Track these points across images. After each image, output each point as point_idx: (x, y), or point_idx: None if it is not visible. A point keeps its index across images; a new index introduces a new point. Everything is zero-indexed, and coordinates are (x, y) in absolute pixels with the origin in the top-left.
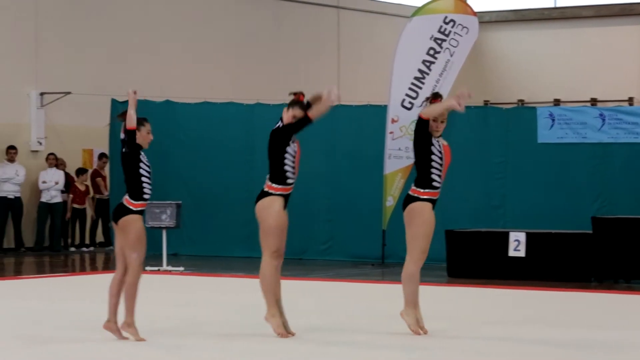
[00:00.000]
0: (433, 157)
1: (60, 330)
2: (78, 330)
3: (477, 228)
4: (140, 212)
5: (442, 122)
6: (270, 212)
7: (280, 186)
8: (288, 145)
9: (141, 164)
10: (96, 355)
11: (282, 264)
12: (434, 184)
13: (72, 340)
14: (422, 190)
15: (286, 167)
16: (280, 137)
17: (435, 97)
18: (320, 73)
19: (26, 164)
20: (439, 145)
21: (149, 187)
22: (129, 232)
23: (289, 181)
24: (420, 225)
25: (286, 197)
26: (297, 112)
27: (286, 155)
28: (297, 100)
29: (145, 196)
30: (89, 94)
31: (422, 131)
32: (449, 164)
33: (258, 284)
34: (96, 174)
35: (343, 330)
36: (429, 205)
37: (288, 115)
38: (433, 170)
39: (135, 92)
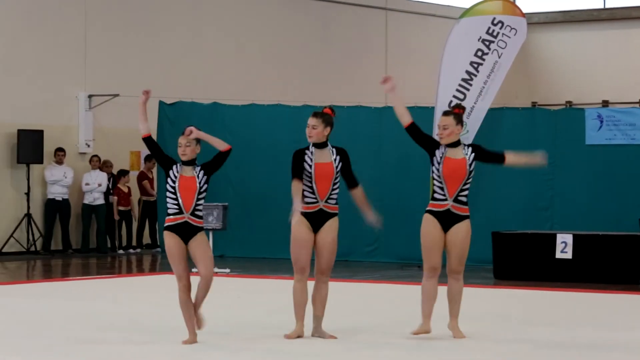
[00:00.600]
0: (432, 168)
1: (109, 331)
2: (126, 331)
3: (524, 230)
4: (170, 228)
5: (444, 128)
6: (292, 226)
7: (302, 204)
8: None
9: (168, 179)
10: (145, 357)
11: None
12: (435, 195)
13: (120, 342)
14: (429, 202)
15: (304, 187)
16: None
17: (457, 107)
18: (367, 75)
19: (74, 166)
20: (440, 157)
21: (173, 202)
22: None
23: (306, 200)
24: (421, 236)
25: (308, 215)
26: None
27: (303, 175)
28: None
29: (170, 211)
30: (136, 96)
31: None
32: (460, 177)
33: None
34: (143, 176)
35: (388, 332)
36: (428, 216)
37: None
38: (434, 182)
39: (147, 92)
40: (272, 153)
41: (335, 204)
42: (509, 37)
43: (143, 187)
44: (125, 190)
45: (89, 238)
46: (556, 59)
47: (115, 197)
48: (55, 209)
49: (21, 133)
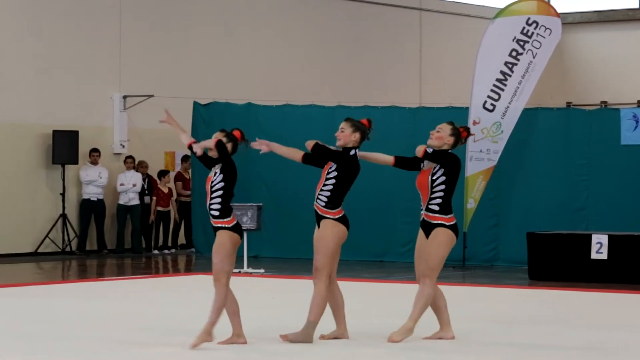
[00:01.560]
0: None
1: (143, 332)
2: (159, 332)
3: (559, 230)
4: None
5: (437, 131)
6: None
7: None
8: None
9: None
10: (179, 358)
11: (363, 266)
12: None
13: (153, 343)
14: None
15: None
16: None
17: (465, 128)
18: (401, 75)
19: (109, 167)
20: (421, 167)
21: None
22: None
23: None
24: None
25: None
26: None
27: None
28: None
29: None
30: (171, 97)
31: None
32: (422, 189)
33: (343, 287)
34: (179, 176)
35: (422, 332)
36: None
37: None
38: None
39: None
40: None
41: (325, 206)
42: (544, 37)
43: (179, 187)
44: (166, 190)
45: (124, 238)
46: (591, 59)
47: (154, 198)
48: (90, 209)
49: (56, 134)
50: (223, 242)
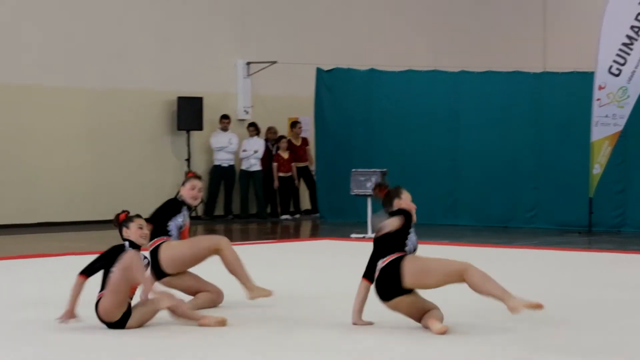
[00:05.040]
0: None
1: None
2: (282, 297)
3: None
4: None
5: None
6: None
7: None
8: None
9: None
10: (307, 323)
11: (489, 231)
12: None
13: (270, 305)
14: None
15: None
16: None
17: (380, 186)
18: (525, 40)
19: (234, 133)
20: None
21: None
22: None
23: None
24: None
25: None
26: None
27: None
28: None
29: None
30: (294, 63)
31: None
32: None
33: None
34: (290, 143)
35: (543, 299)
36: None
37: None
38: None
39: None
40: (429, 119)
41: None
42: None
43: (297, 153)
44: (286, 156)
45: (249, 204)
46: None
47: (275, 164)
48: (220, 175)
49: (181, 100)
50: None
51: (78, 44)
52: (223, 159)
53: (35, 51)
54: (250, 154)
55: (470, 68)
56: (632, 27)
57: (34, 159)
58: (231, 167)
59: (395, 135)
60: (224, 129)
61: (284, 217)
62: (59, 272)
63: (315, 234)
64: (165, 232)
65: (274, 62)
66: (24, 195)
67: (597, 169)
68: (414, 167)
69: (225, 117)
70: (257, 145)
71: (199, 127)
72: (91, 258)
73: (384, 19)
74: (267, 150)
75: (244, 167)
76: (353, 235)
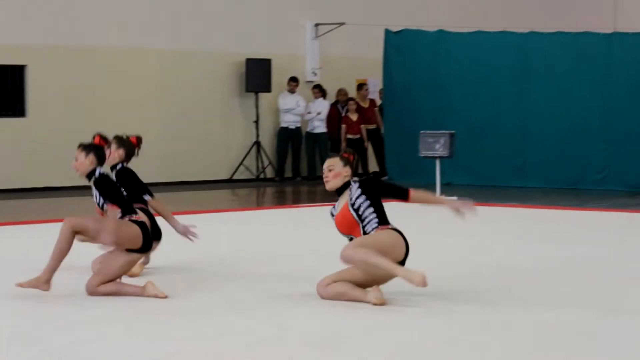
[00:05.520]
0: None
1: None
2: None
3: None
4: None
5: (329, 170)
6: None
7: None
8: None
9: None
10: None
11: (558, 194)
12: None
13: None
14: None
15: None
16: None
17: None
18: (595, 0)
19: (301, 95)
20: None
21: None
22: None
23: None
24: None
25: None
26: None
27: None
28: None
29: None
30: (362, 25)
31: None
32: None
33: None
34: (357, 105)
35: (613, 261)
36: None
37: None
38: None
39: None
40: (497, 81)
41: None
42: None
43: (366, 115)
44: (354, 118)
45: (316, 166)
46: None
47: (344, 126)
48: (288, 137)
49: (249, 62)
50: (128, 233)
51: (150, 5)
52: (290, 120)
53: (108, 13)
54: (314, 115)
55: (539, 29)
56: None
57: (104, 121)
58: (298, 129)
59: (464, 97)
60: (292, 91)
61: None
62: None
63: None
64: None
65: (342, 24)
66: None
67: None
68: (482, 128)
69: (293, 80)
70: (321, 107)
71: (267, 89)
72: (161, 220)
73: None
74: (337, 113)
75: (308, 129)
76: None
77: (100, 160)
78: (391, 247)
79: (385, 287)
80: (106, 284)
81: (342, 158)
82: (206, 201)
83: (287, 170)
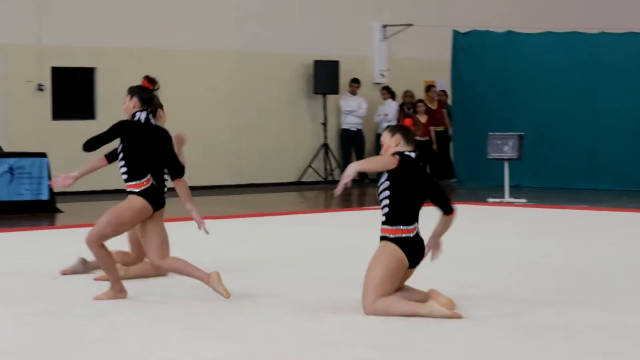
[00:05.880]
0: None
1: None
2: None
3: None
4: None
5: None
6: None
7: None
8: None
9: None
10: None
11: (629, 196)
12: None
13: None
14: None
15: None
16: None
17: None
18: None
19: (370, 97)
20: None
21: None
22: None
23: None
24: None
25: None
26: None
27: None
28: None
29: None
30: (431, 26)
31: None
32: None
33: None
34: (428, 107)
35: None
36: None
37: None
38: None
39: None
40: (567, 82)
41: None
42: None
43: (434, 117)
44: (423, 120)
45: None
46: None
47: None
48: (350, 139)
49: (317, 64)
50: (124, 209)
51: (219, 7)
52: (351, 122)
53: (177, 16)
54: (382, 117)
55: (609, 29)
56: None
57: (174, 123)
58: (359, 131)
59: (533, 98)
60: (353, 92)
61: None
62: (195, 237)
63: (451, 198)
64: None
65: (410, 25)
66: None
67: None
68: (552, 130)
69: (354, 81)
70: (389, 108)
71: (335, 91)
72: (230, 222)
73: None
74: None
75: (379, 131)
76: (490, 200)
77: (144, 102)
78: (398, 268)
79: (449, 293)
80: (173, 260)
81: (390, 129)
82: (274, 203)
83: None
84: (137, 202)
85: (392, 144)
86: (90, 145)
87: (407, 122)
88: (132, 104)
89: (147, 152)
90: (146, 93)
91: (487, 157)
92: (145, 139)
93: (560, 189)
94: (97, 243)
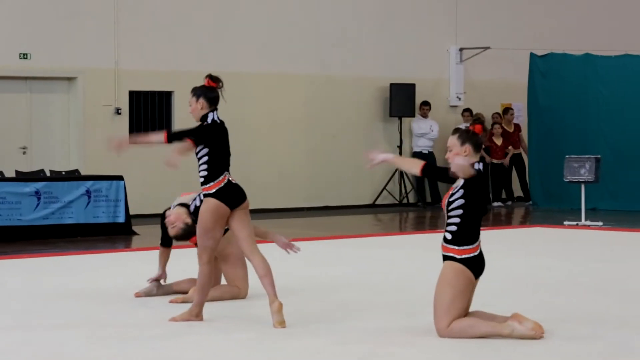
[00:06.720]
0: None
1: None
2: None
3: None
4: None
5: (449, 150)
6: None
7: None
8: None
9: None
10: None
11: None
12: None
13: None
14: None
15: None
16: None
17: (476, 122)
18: None
19: (445, 120)
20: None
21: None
22: None
23: None
24: None
25: None
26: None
27: None
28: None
29: None
30: (507, 49)
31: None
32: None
33: None
34: (504, 129)
35: None
36: None
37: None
38: None
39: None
40: None
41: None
42: None
43: (511, 139)
44: (499, 143)
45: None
46: None
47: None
48: None
49: (393, 87)
50: (202, 213)
51: (297, 30)
52: (423, 145)
53: (255, 39)
54: None
55: None
56: None
57: (251, 147)
58: (430, 153)
59: (611, 121)
60: (424, 115)
61: (495, 204)
62: (275, 258)
63: (527, 221)
64: None
65: (487, 48)
66: (241, 182)
67: None
68: (629, 152)
69: (425, 104)
70: None
71: (411, 114)
72: (310, 244)
73: (599, 1)
74: None
75: None
76: (566, 223)
77: (211, 102)
78: (467, 286)
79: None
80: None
81: (459, 135)
82: (350, 226)
83: (429, 195)
84: (210, 203)
85: (461, 152)
86: (175, 137)
87: (478, 128)
88: (200, 105)
89: (227, 152)
90: (212, 92)
91: (564, 179)
92: (225, 139)
93: (637, 212)
94: (205, 259)
